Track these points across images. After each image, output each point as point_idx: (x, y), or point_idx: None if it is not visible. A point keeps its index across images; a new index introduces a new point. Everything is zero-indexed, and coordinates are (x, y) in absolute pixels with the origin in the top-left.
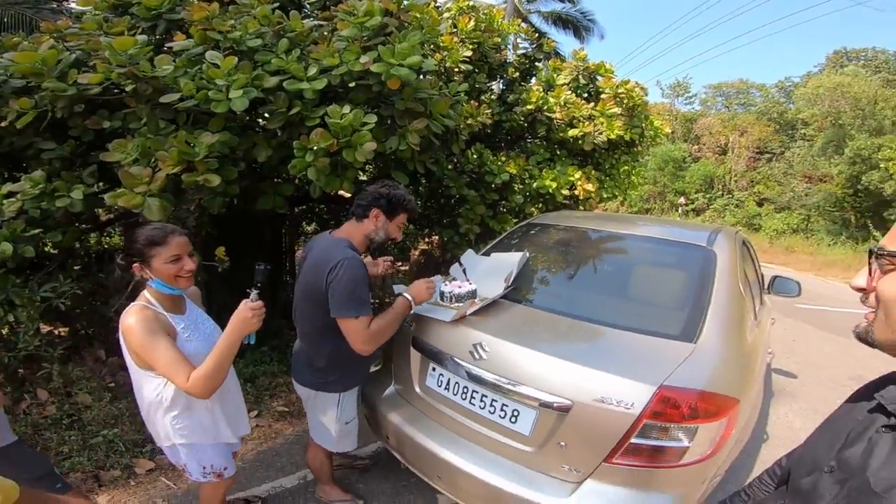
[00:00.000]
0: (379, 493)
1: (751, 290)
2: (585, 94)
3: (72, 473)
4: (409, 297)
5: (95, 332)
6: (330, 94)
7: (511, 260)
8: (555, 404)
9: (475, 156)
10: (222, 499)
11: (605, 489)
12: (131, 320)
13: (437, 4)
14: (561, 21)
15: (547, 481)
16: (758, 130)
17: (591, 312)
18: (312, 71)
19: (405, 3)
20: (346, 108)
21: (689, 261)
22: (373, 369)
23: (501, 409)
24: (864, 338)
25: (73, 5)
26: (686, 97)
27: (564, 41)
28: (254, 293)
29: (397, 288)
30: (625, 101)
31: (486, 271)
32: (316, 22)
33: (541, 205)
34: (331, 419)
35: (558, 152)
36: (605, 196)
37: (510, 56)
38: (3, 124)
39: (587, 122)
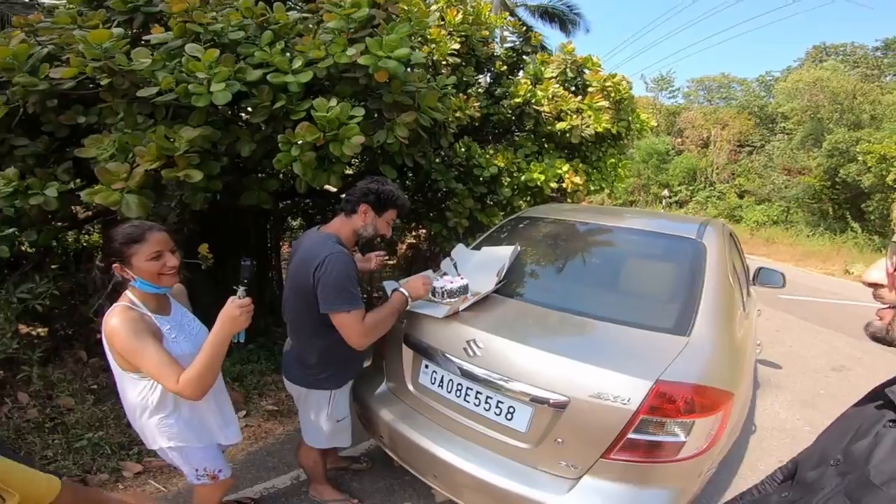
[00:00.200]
0: (373, 492)
1: (739, 282)
2: (573, 88)
3: None
4: (405, 293)
5: (75, 333)
6: (315, 88)
7: (502, 254)
8: (551, 400)
9: (463, 149)
10: (218, 502)
11: (603, 485)
12: (115, 322)
13: None
14: (547, 15)
15: (544, 478)
16: (739, 124)
17: (583, 306)
18: (297, 64)
19: None
20: (333, 102)
21: (680, 253)
22: (365, 364)
23: (497, 406)
24: (882, 337)
25: (46, 0)
26: (670, 91)
27: (550, 35)
28: (241, 290)
29: (389, 285)
30: (612, 94)
31: (478, 265)
32: (301, 14)
33: (529, 198)
34: (322, 417)
35: (546, 145)
36: (592, 189)
37: (498, 49)
38: None
39: (575, 116)
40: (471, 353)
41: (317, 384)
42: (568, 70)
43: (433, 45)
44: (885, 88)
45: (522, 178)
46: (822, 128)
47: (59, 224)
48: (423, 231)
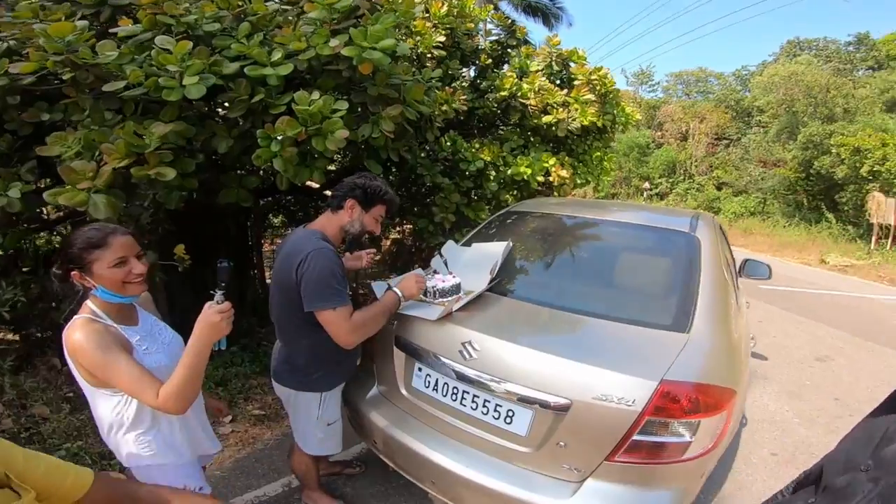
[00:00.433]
0: (368, 497)
1: (731, 276)
2: (558, 81)
3: None
4: (398, 292)
5: (48, 339)
6: (296, 81)
7: (495, 250)
8: (552, 403)
9: (448, 143)
10: None
11: (608, 487)
12: (78, 336)
13: None
14: (531, 9)
15: (547, 482)
16: (716, 117)
17: (579, 303)
18: (277, 56)
19: None
20: (316, 95)
21: (675, 248)
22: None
23: (495, 410)
24: None
25: None
26: (649, 85)
27: (534, 29)
28: (219, 294)
29: (379, 286)
30: (598, 87)
31: (469, 263)
32: (280, 6)
33: (515, 192)
34: (312, 420)
35: (532, 139)
36: (578, 182)
37: (483, 42)
38: None
39: (561, 109)
40: (467, 356)
41: (306, 386)
42: (554, 63)
43: (418, 38)
44: (858, 82)
45: (509, 171)
46: (796, 121)
47: (27, 226)
48: (408, 227)
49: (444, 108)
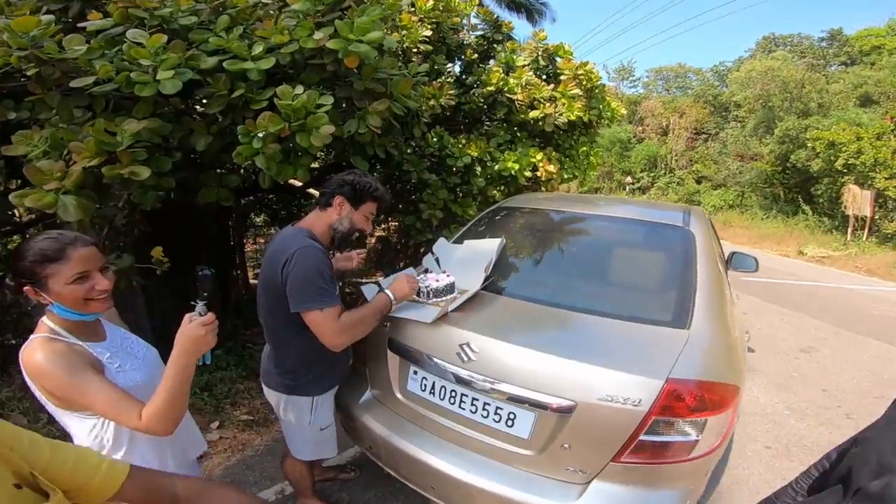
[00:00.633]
0: (364, 502)
1: (723, 270)
2: (544, 76)
3: None
4: (390, 294)
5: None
6: (278, 76)
7: (488, 247)
8: (555, 405)
9: (435, 139)
10: None
11: (614, 488)
12: (39, 358)
13: None
14: (514, 4)
15: (552, 485)
16: (695, 112)
17: (577, 301)
18: (258, 50)
19: None
20: (299, 89)
21: (670, 242)
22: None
23: (496, 413)
24: None
25: None
26: (630, 81)
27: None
28: (200, 305)
29: (369, 289)
30: (584, 82)
31: (462, 261)
32: None
33: (503, 187)
34: (304, 425)
35: (518, 134)
36: (566, 177)
37: (469, 38)
38: None
39: (548, 104)
40: (465, 358)
41: (296, 390)
42: (540, 58)
43: (404, 32)
44: (831, 78)
45: (496, 167)
46: (772, 116)
47: None
48: (394, 224)
49: (432, 103)
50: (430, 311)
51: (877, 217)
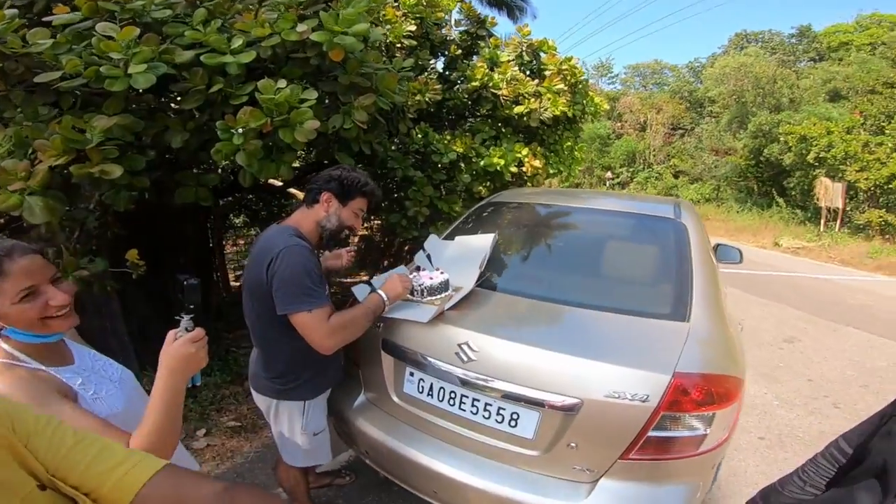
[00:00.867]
0: None
1: (714, 261)
2: (528, 71)
3: None
4: (383, 295)
5: None
6: (258, 71)
7: (482, 243)
8: (561, 404)
9: (420, 136)
10: None
11: (623, 486)
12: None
13: None
14: (495, 1)
15: (559, 485)
16: (672, 108)
17: (575, 295)
18: (237, 43)
19: None
20: (282, 83)
21: (664, 235)
22: None
23: (498, 414)
24: None
25: None
26: (609, 77)
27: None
28: (186, 319)
29: (360, 290)
30: (568, 77)
31: (455, 257)
32: None
33: (488, 183)
34: (297, 431)
35: (503, 130)
36: (551, 172)
37: (453, 33)
38: None
39: (533, 99)
40: (465, 358)
41: (287, 394)
42: (524, 53)
43: (388, 27)
44: (801, 73)
45: (482, 163)
46: (746, 111)
47: None
48: (377, 222)
49: (418, 98)
50: (426, 310)
51: (848, 208)
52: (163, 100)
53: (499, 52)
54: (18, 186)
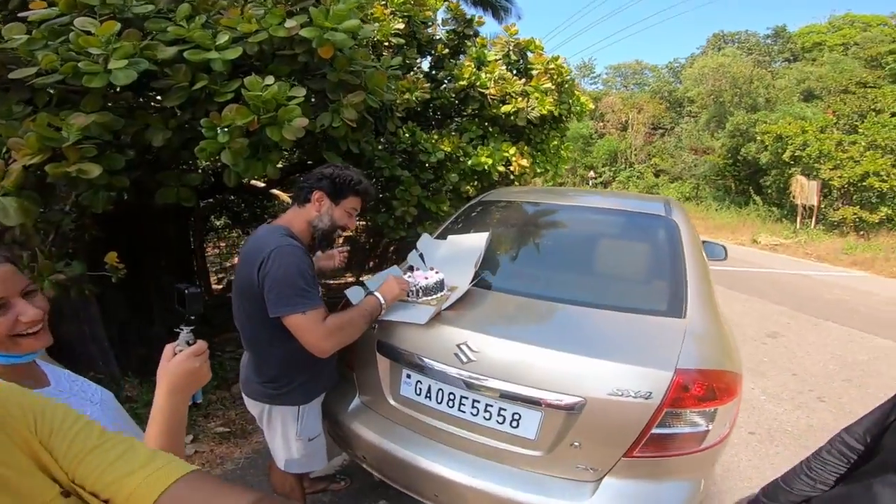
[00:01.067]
0: None
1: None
2: (515, 71)
3: None
4: (380, 297)
5: None
6: (243, 68)
7: (476, 242)
8: (564, 403)
9: (407, 135)
10: None
11: (627, 484)
12: None
13: None
14: (481, 2)
15: (563, 485)
16: (652, 108)
17: (572, 293)
18: (223, 39)
19: None
20: (270, 79)
21: (656, 232)
22: None
23: (499, 415)
24: None
25: None
26: (591, 77)
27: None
28: (186, 331)
29: (354, 292)
30: (555, 76)
31: (448, 257)
32: None
33: (476, 182)
34: (291, 437)
35: (490, 129)
36: (538, 171)
37: (440, 32)
38: None
39: (520, 98)
40: (464, 359)
41: (280, 399)
42: (511, 53)
43: (376, 24)
44: (777, 74)
45: (469, 162)
46: (724, 110)
47: None
48: (362, 223)
49: (406, 96)
50: (423, 311)
51: (823, 206)
52: (141, 98)
53: (486, 52)
54: None
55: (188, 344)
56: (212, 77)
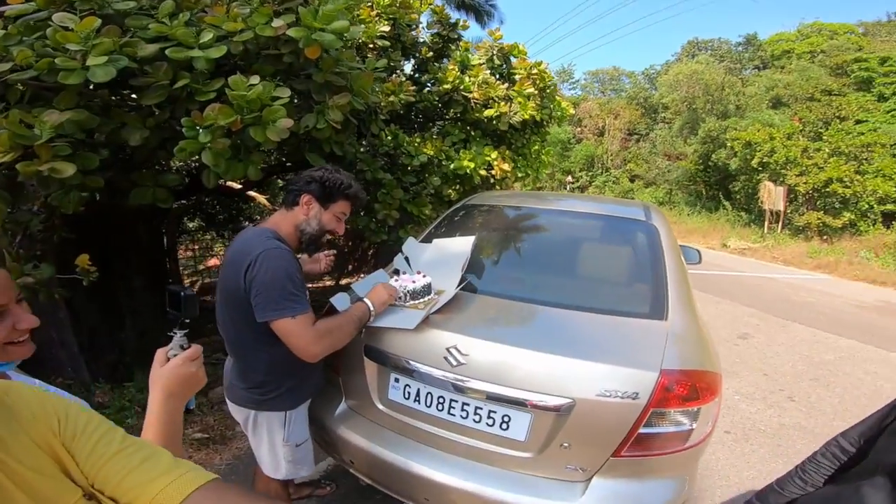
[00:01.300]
0: None
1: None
2: (498, 75)
3: None
4: (370, 304)
5: None
6: (225, 68)
7: (462, 246)
8: (554, 405)
9: (389, 137)
10: None
11: (615, 483)
12: None
13: None
14: (464, 6)
15: (553, 485)
16: (628, 114)
17: (558, 296)
18: (207, 37)
19: None
20: (255, 79)
21: (637, 236)
22: None
23: (489, 417)
24: None
25: None
26: (570, 83)
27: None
28: (180, 335)
29: (340, 300)
30: (537, 81)
31: (434, 261)
32: None
33: (458, 186)
34: (278, 442)
35: (472, 133)
36: (519, 175)
37: (424, 35)
38: None
39: (503, 103)
40: (454, 362)
41: (267, 405)
42: (495, 57)
43: (362, 26)
44: (747, 81)
45: (452, 166)
46: (696, 117)
47: None
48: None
49: (391, 99)
50: (412, 316)
51: (789, 211)
52: (116, 96)
53: (470, 56)
54: None
55: (182, 348)
56: (193, 76)
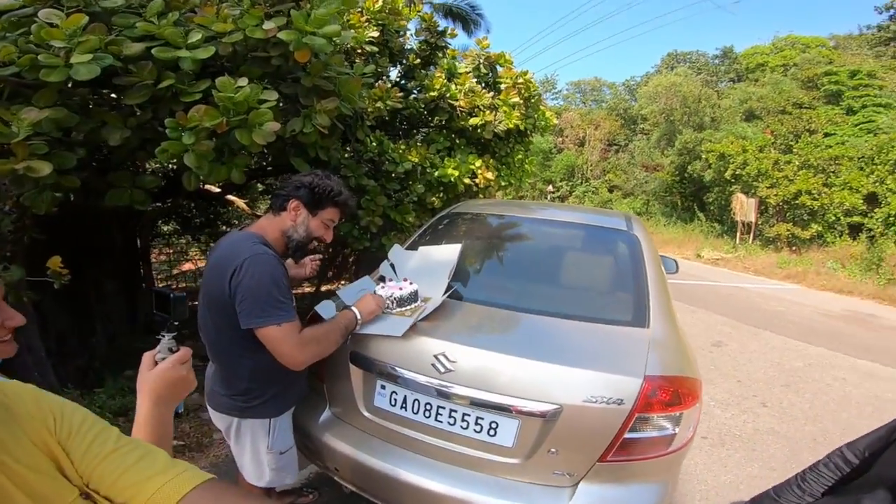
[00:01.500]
0: None
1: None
2: (484, 84)
3: None
4: (357, 311)
5: None
6: (211, 69)
7: (448, 254)
8: (541, 410)
9: (374, 144)
10: None
11: (601, 488)
12: None
13: None
14: (451, 14)
15: (541, 491)
16: (608, 125)
17: (543, 304)
18: (195, 37)
19: None
20: (243, 81)
21: (619, 246)
22: None
23: (476, 424)
24: None
25: None
26: (553, 93)
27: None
28: (168, 338)
29: (326, 308)
30: (523, 91)
31: (420, 268)
32: None
33: (441, 194)
34: (262, 451)
35: (457, 141)
36: (503, 184)
37: (412, 42)
38: None
39: (489, 111)
40: (442, 369)
41: (251, 412)
42: (482, 66)
43: (352, 31)
44: (722, 93)
45: (436, 174)
46: (674, 129)
47: None
48: None
49: (378, 105)
50: (399, 323)
51: (760, 222)
52: (96, 95)
53: (457, 64)
54: None
55: (171, 351)
56: (178, 76)
